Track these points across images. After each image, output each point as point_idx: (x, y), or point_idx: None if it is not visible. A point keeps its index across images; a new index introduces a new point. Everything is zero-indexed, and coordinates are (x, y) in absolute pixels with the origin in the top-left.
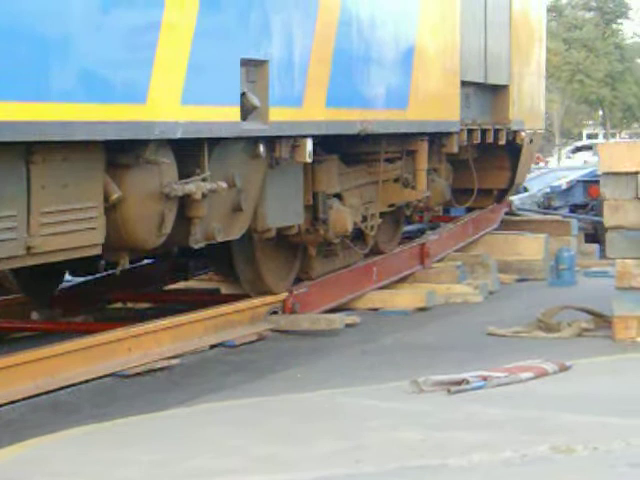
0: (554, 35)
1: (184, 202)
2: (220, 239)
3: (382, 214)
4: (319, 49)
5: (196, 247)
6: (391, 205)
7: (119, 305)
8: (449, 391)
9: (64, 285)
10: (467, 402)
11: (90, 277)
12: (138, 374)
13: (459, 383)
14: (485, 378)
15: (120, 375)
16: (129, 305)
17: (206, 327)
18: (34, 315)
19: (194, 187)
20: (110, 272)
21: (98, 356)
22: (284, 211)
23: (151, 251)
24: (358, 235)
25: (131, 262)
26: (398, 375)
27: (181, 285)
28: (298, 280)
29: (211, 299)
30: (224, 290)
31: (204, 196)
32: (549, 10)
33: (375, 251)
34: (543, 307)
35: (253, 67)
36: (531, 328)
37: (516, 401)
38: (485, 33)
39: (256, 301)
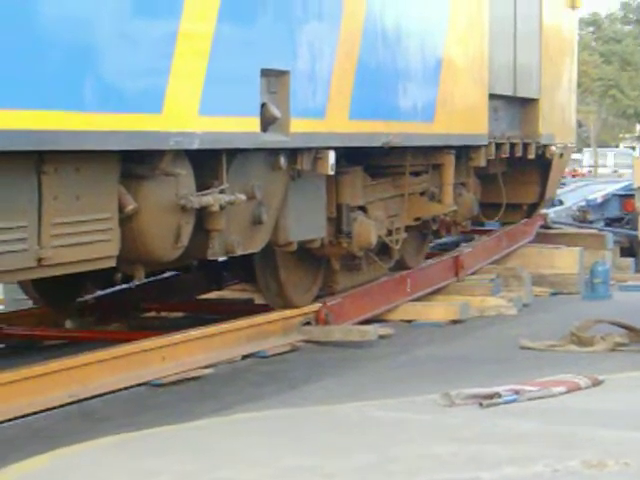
0: (592, 49)
1: (202, 214)
2: (240, 252)
3: (408, 228)
4: (342, 59)
5: (220, 259)
6: (417, 219)
7: (152, 314)
8: (481, 404)
9: (98, 294)
10: (499, 416)
11: (124, 286)
12: (171, 383)
13: (491, 396)
14: (517, 392)
15: (153, 384)
16: (162, 314)
17: (239, 337)
18: (68, 323)
19: (212, 199)
20: (143, 281)
21: (131, 365)
22: (306, 224)
23: (168, 264)
24: (383, 249)
25: (164, 271)
26: (430, 388)
27: (214, 295)
28: (321, 294)
29: (244, 309)
30: (257, 300)
31: (222, 208)
32: (587, 24)
33: (401, 266)
34: (577, 321)
35: (274, 77)
36: (565, 342)
37: (548, 415)
38: (515, 45)
39: (289, 312)
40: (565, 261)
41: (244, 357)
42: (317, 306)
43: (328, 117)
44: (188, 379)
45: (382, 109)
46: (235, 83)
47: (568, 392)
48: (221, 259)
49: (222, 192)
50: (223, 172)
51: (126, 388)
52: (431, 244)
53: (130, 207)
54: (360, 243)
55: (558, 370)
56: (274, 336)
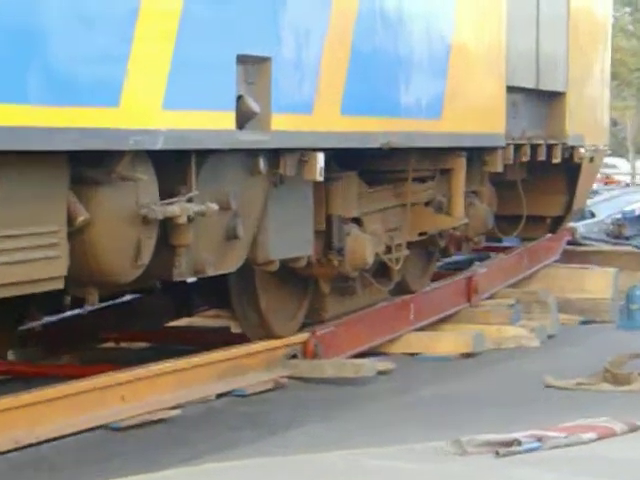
0: (629, 33)
1: (166, 227)
2: (211, 272)
3: (410, 244)
4: (333, 45)
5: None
6: (421, 234)
7: (111, 345)
8: (497, 453)
9: (45, 320)
10: (518, 466)
11: (75, 311)
12: (133, 427)
13: (509, 444)
14: (540, 439)
15: (112, 428)
16: (122, 345)
17: (213, 372)
18: (10, 355)
19: (178, 209)
20: (99, 306)
21: (86, 405)
22: (290, 239)
23: (126, 286)
24: (381, 269)
25: (123, 294)
26: (437, 433)
27: (184, 322)
28: (308, 323)
29: (219, 339)
30: (234, 329)
31: (190, 220)
32: (623, 4)
33: (402, 289)
34: (611, 355)
35: (252, 65)
36: (596, 379)
37: (577, 466)
38: (537, 30)
39: (272, 343)
40: (597, 284)
41: (219, 396)
42: (305, 336)
43: (316, 113)
44: (153, 422)
45: (380, 104)
46: (206, 72)
47: (600, 439)
48: (190, 280)
49: (190, 201)
50: (192, 177)
51: (80, 432)
52: (439, 263)
53: (81, 218)
54: (354, 262)
55: (588, 413)
56: (254, 371)
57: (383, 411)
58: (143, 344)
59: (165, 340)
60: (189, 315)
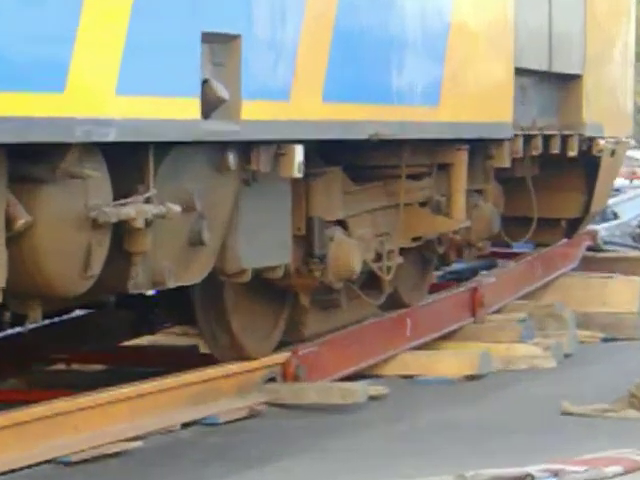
0: None
1: (120, 232)
2: (172, 284)
3: (404, 251)
4: (314, 21)
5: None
6: (417, 238)
7: (62, 367)
8: None
9: None
10: None
11: (17, 329)
12: (86, 461)
13: (522, 479)
14: (556, 473)
15: (61, 462)
16: (75, 367)
17: (178, 398)
18: None
19: (134, 211)
20: (46, 323)
21: (33, 436)
22: (264, 245)
23: (74, 300)
24: (370, 280)
25: (80, 308)
26: (438, 467)
27: (145, 340)
28: (286, 342)
29: (186, 360)
30: (203, 348)
31: (148, 223)
32: None
33: (394, 302)
34: (637, 377)
35: (219, 45)
36: (621, 405)
37: None
38: (549, 4)
39: (247, 364)
40: (621, 295)
41: (185, 425)
42: (285, 356)
43: (294, 99)
44: (109, 455)
45: (368, 89)
46: (166, 52)
47: (626, 473)
48: (150, 293)
49: (148, 201)
50: (150, 174)
51: (24, 468)
52: (439, 272)
53: (22, 221)
54: (338, 271)
55: (612, 443)
56: (227, 397)
57: (375, 442)
58: (98, 366)
59: (123, 361)
60: (151, 333)
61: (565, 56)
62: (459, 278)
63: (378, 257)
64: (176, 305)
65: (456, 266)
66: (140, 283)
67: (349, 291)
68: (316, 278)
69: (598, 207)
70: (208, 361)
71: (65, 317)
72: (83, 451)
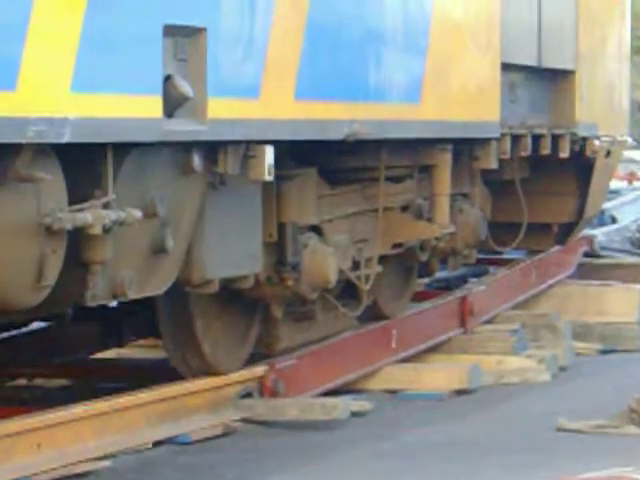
0: None
1: (77, 239)
2: (133, 295)
3: (384, 259)
4: (285, 13)
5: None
6: (397, 245)
7: (23, 382)
8: None
9: None
10: None
11: None
12: None
13: None
14: None
15: None
16: (38, 382)
17: (148, 415)
18: None
19: (91, 217)
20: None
21: None
22: (233, 254)
23: (27, 313)
24: (348, 290)
25: (42, 320)
26: None
27: (113, 354)
28: (256, 355)
29: (156, 375)
30: None
31: (107, 230)
32: None
33: (374, 314)
34: (638, 391)
35: (183, 38)
36: (620, 421)
37: None
38: None
39: (221, 379)
40: (620, 304)
41: (155, 444)
42: (261, 370)
43: (264, 97)
44: (74, 476)
45: (344, 86)
46: (125, 46)
47: None
48: (114, 305)
49: (107, 206)
50: (108, 177)
51: None
52: (425, 280)
53: None
54: (312, 281)
55: (611, 461)
56: (200, 414)
57: (359, 461)
58: (62, 381)
59: (89, 376)
60: (119, 345)
61: (556, 51)
62: (448, 286)
63: (356, 265)
64: (140, 317)
65: (444, 273)
66: (99, 294)
67: (325, 302)
68: (289, 288)
69: (592, 211)
70: (180, 375)
71: (27, 329)
72: (46, 472)
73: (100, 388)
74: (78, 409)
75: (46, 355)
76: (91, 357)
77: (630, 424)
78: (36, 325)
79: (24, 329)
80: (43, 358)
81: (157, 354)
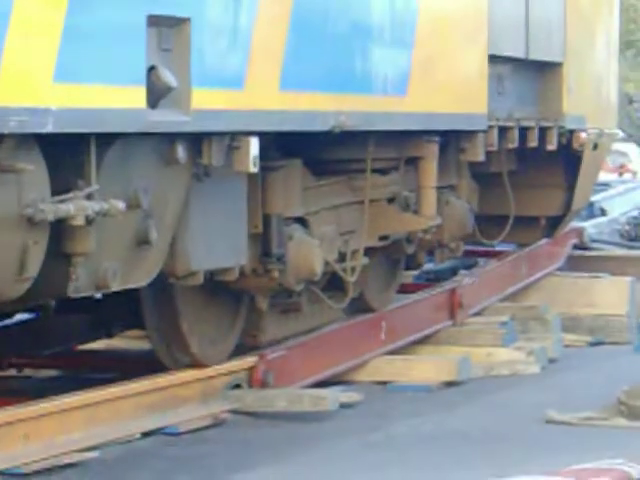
0: None
1: (59, 231)
2: (116, 287)
3: (370, 251)
4: (270, 5)
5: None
6: (383, 237)
7: (12, 373)
8: None
9: None
10: None
11: None
12: (38, 472)
13: None
14: None
15: (12, 473)
16: (26, 373)
17: (137, 406)
18: None
19: (73, 208)
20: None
21: None
22: (217, 245)
23: (10, 304)
24: (333, 282)
25: (29, 311)
26: (415, 479)
27: (102, 345)
28: (242, 347)
29: (145, 366)
30: None
31: (90, 221)
32: None
33: (359, 307)
34: (626, 383)
35: (167, 28)
36: (609, 413)
37: None
38: None
39: (210, 370)
40: (609, 297)
41: (144, 435)
42: (251, 361)
43: (249, 87)
44: (63, 466)
45: (330, 77)
46: (109, 36)
47: None
48: (99, 295)
49: (90, 197)
50: (91, 168)
51: None
52: (415, 272)
53: None
54: (298, 272)
55: (600, 454)
56: (188, 404)
57: (348, 452)
58: (51, 372)
59: (78, 366)
60: (108, 336)
61: (544, 43)
62: (437, 278)
63: (341, 257)
64: (125, 309)
65: (433, 266)
66: (82, 286)
67: (310, 294)
68: (274, 280)
69: (580, 204)
70: (169, 367)
71: (16, 320)
72: (35, 462)
73: (89, 379)
74: (66, 400)
75: (35, 346)
76: (80, 348)
77: (619, 416)
78: (25, 316)
79: (13, 319)
80: (32, 349)
81: (146, 345)
